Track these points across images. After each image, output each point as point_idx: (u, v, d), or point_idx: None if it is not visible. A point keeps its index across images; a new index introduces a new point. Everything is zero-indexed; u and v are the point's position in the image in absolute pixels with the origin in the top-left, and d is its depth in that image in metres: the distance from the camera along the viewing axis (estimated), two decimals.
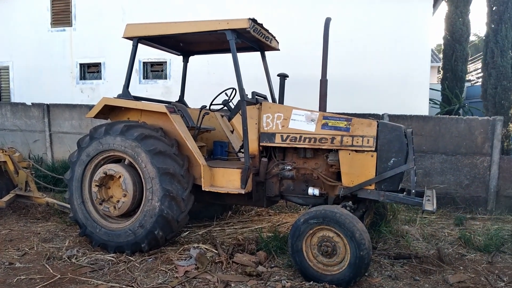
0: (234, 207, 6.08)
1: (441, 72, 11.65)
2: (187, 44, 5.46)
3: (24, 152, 8.62)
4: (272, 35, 5.05)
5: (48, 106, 8.48)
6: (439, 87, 11.75)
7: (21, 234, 5.27)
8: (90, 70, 9.66)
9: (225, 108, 4.94)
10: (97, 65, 9.53)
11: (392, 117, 6.88)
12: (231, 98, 4.93)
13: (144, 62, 9.13)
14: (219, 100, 4.95)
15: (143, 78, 9.19)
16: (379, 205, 4.92)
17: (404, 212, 5.92)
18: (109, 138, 4.44)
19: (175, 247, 4.59)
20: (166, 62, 9.04)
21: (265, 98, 4.94)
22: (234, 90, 4.84)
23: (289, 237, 3.84)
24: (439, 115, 9.91)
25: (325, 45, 4.32)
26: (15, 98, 9.94)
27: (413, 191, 4.02)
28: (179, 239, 4.83)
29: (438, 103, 11.28)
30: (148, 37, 4.79)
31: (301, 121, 4.34)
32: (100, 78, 9.47)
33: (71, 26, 9.53)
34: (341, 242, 3.65)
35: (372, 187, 4.11)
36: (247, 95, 4.55)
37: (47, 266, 4.18)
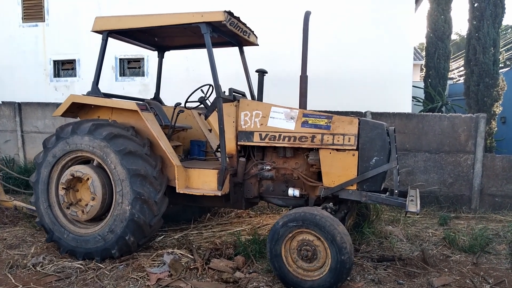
0: (213, 209, 5.85)
1: (424, 70, 11.63)
2: (162, 38, 5.21)
3: None
4: (250, 30, 4.84)
5: (19, 104, 8.10)
6: (422, 84, 11.74)
7: None
8: (64, 67, 9.27)
9: (202, 105, 4.72)
10: (72, 62, 9.15)
11: (375, 115, 6.75)
12: (207, 95, 4.70)
13: (120, 59, 8.80)
14: (196, 97, 4.73)
15: (120, 76, 8.86)
16: (362, 205, 4.77)
17: (387, 212, 5.79)
18: (76, 138, 4.16)
19: (148, 253, 4.35)
20: (143, 58, 8.74)
21: (243, 95, 4.73)
22: (211, 87, 4.62)
23: (267, 241, 3.65)
24: (422, 112, 9.87)
25: (304, 39, 4.15)
26: None
27: (396, 191, 3.87)
28: (153, 244, 4.58)
29: (421, 100, 11.25)
30: (119, 31, 4.52)
31: (280, 119, 4.14)
32: (75, 76, 9.10)
33: (44, 21, 9.12)
34: (322, 246, 3.47)
35: (354, 187, 3.94)
36: (224, 92, 4.34)
37: (9, 276, 3.91)
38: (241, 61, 5.19)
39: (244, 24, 4.63)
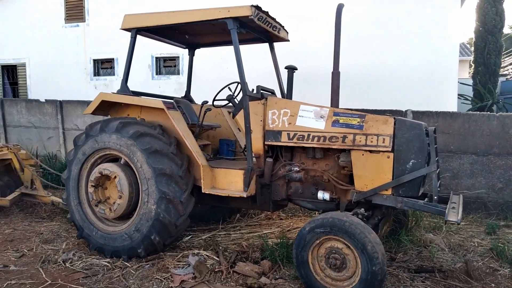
0: (242, 210, 5.73)
1: (473, 66, 10.89)
2: (192, 36, 5.15)
3: (39, 149, 8.58)
4: (280, 24, 4.65)
5: (61, 102, 8.40)
6: (470, 82, 11.00)
7: (24, 234, 5.12)
8: (103, 66, 9.53)
9: (231, 104, 4.60)
10: (111, 61, 9.38)
11: (416, 114, 6.34)
12: (235, 93, 4.57)
13: (156, 58, 8.90)
14: (224, 95, 4.61)
15: (156, 74, 8.96)
16: (399, 211, 4.46)
17: (428, 218, 5.40)
18: (104, 136, 4.18)
19: (175, 253, 4.29)
20: (178, 57, 8.78)
21: (272, 93, 4.56)
22: (239, 85, 4.48)
23: (293, 247, 3.46)
24: (469, 111, 9.23)
25: (337, 34, 3.92)
26: (31, 95, 9.96)
27: (435, 197, 3.55)
28: (180, 244, 4.53)
29: (470, 99, 10.55)
30: (147, 28, 4.49)
31: (309, 117, 3.93)
32: (114, 74, 9.32)
33: (85, 21, 9.42)
34: (351, 254, 3.24)
35: (389, 192, 3.65)
36: (253, 90, 4.19)
37: (41, 270, 3.99)
38: (271, 58, 5.02)
39: (273, 19, 4.46)
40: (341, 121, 3.81)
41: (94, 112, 4.65)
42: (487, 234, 5.25)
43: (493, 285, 3.74)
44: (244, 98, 3.98)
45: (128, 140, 4.02)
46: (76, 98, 8.68)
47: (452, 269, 4.01)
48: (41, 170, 6.29)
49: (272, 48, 5.02)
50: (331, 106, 4.00)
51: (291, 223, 5.34)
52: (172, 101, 4.55)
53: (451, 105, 7.46)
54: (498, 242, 4.65)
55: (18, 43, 10.06)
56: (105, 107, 4.70)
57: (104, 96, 4.48)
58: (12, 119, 8.77)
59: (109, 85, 9.38)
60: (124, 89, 4.54)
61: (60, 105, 8.38)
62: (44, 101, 8.55)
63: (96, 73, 9.55)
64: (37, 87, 9.95)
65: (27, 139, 8.63)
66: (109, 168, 4.12)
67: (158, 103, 4.20)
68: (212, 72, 8.05)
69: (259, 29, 4.46)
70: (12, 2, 9.96)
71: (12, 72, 10.54)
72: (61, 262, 4.13)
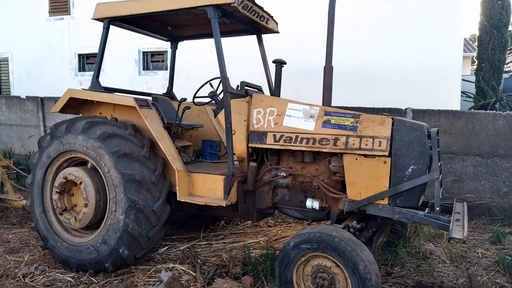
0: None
1: (476, 62, 10.46)
2: (174, 27, 4.75)
3: (19, 148, 8.17)
4: (268, 14, 4.23)
5: (42, 99, 7.97)
6: (473, 78, 10.57)
7: None
8: (89, 61, 9.08)
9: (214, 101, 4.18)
10: (96, 56, 8.93)
11: (417, 112, 5.93)
12: (219, 90, 4.15)
13: (144, 52, 8.45)
14: (206, 92, 4.20)
15: (143, 69, 8.51)
16: (396, 221, 4.04)
17: (428, 226, 4.98)
18: (70, 137, 3.76)
19: (148, 266, 3.88)
20: (167, 51, 8.32)
21: (259, 89, 4.13)
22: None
23: (276, 264, 3.06)
24: (472, 110, 8.81)
25: (330, 26, 3.53)
26: (14, 91, 9.53)
27: (437, 208, 3.13)
28: (154, 256, 4.12)
29: (472, 96, 10.12)
30: (121, 18, 4.08)
31: (297, 117, 3.51)
32: None
33: (69, 14, 8.96)
34: (341, 274, 2.84)
35: (385, 201, 3.23)
36: (238, 86, 3.77)
37: None
38: (259, 51, 4.59)
39: (261, 8, 4.04)
40: (332, 121, 3.39)
41: (62, 110, 4.25)
42: (491, 243, 4.85)
43: None
44: (225, 95, 3.57)
45: (95, 141, 3.60)
46: (60, 95, 8.21)
47: (454, 285, 3.61)
48: (14, 172, 5.87)
49: (260, 41, 4.59)
50: (323, 104, 3.59)
51: (280, 231, 4.92)
52: (147, 98, 4.13)
53: (454, 103, 7.04)
54: (505, 254, 4.25)
55: (0, 37, 9.61)
56: (76, 104, 4.30)
57: (72, 93, 4.07)
58: None
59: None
60: (95, 85, 4.13)
61: (42, 102, 7.96)
62: (25, 97, 8.13)
63: (81, 68, 9.11)
64: (21, 83, 9.51)
65: (8, 137, 8.22)
66: (74, 173, 3.70)
67: (129, 100, 3.77)
68: (201, 68, 7.61)
69: (246, 20, 4.05)
70: None
71: None
72: (20, 277, 3.72)
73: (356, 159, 3.29)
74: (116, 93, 4.22)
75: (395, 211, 3.18)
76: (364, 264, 2.71)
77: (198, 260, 3.95)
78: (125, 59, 8.11)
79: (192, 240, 4.62)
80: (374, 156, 3.21)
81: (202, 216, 4.89)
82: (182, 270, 3.74)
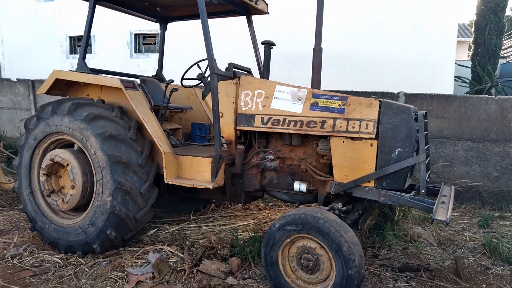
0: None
1: (472, 47, 10.38)
2: (163, 8, 4.65)
3: (11, 132, 8.11)
4: None
5: (33, 82, 7.89)
6: (469, 63, 10.50)
7: None
8: (80, 44, 8.95)
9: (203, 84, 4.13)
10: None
11: (409, 96, 5.90)
12: (207, 72, 4.10)
13: (135, 34, 8.34)
14: (195, 74, 4.14)
15: (135, 52, 8.41)
16: (383, 204, 4.05)
17: (417, 210, 5.01)
18: (56, 119, 3.72)
19: (136, 248, 3.90)
20: (158, 34, 8.21)
21: (248, 72, 4.09)
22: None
23: (262, 245, 3.07)
24: (466, 94, 8.78)
25: (319, 7, 3.46)
26: (5, 74, 9.41)
27: (423, 190, 3.14)
28: (143, 238, 4.13)
29: (468, 81, 10.07)
30: None
31: (285, 99, 3.48)
32: (91, 52, 8.75)
33: None
34: (326, 255, 2.85)
35: (371, 184, 3.24)
36: (227, 68, 3.72)
37: None
38: (249, 33, 4.53)
39: None
40: (320, 103, 3.37)
41: (50, 92, 4.19)
42: (480, 227, 4.89)
43: (484, 285, 3.38)
44: (212, 77, 3.52)
45: (81, 123, 3.57)
46: None
47: (440, 267, 3.65)
48: (4, 155, 5.85)
49: (250, 22, 4.53)
50: (312, 86, 3.58)
51: (269, 214, 4.94)
52: (133, 79, 4.08)
53: (447, 87, 7.01)
54: (491, 237, 4.28)
55: None
56: (63, 86, 4.24)
57: (58, 74, 4.01)
58: None
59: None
60: (82, 66, 4.06)
61: (33, 85, 7.88)
62: (15, 80, 8.03)
63: (73, 51, 8.98)
64: (11, 65, 9.38)
65: None
66: (60, 154, 3.67)
67: (115, 81, 3.73)
68: (197, 49, 7.50)
69: (235, 0, 3.98)
70: None
71: None
72: (9, 258, 3.73)
73: (343, 142, 3.27)
74: (103, 75, 4.16)
75: (380, 194, 3.19)
76: (348, 245, 2.72)
77: (187, 242, 3.97)
78: (117, 42, 8.01)
79: (182, 222, 4.63)
80: (361, 139, 3.20)
81: (192, 200, 4.90)
82: (170, 251, 3.75)
